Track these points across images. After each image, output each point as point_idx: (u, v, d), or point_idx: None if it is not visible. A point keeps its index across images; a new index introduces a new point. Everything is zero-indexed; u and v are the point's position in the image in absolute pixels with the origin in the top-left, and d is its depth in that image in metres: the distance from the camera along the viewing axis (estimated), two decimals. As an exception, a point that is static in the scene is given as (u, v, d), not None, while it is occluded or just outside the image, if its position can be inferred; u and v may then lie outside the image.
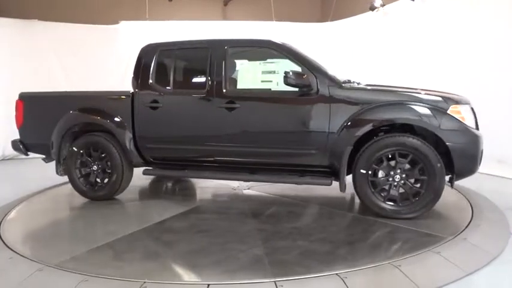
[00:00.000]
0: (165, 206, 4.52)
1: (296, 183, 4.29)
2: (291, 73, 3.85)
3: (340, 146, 3.90)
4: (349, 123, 3.88)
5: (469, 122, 3.79)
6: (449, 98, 3.82)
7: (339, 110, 3.92)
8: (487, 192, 4.80)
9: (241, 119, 4.20)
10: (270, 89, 4.18)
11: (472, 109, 4.03)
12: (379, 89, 4.11)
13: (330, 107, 3.94)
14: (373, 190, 3.86)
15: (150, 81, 4.51)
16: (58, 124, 4.77)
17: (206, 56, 4.34)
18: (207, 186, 5.43)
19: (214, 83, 4.25)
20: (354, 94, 3.97)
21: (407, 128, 3.87)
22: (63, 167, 4.87)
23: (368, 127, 3.82)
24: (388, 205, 3.85)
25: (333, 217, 3.99)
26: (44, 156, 5.08)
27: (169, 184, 5.71)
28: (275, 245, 3.25)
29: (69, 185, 4.86)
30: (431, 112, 3.72)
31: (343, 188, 3.93)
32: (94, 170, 4.74)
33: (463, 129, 3.70)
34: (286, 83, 3.86)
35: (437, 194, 3.72)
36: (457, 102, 3.79)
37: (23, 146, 5.05)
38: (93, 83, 6.95)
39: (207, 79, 4.30)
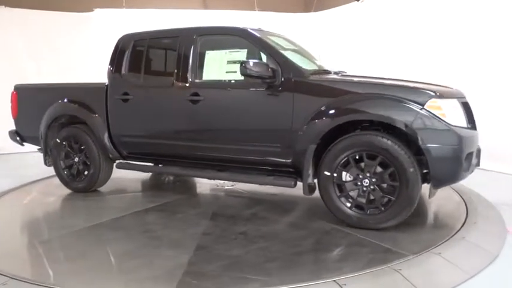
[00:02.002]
0: (136, 201, 4.44)
1: (259, 184, 3.95)
2: (250, 63, 3.49)
3: (304, 144, 3.49)
4: (312, 119, 3.45)
5: (453, 120, 3.18)
6: (428, 91, 3.23)
7: (303, 103, 3.50)
8: (477, 186, 4.45)
9: (204, 112, 3.93)
10: (233, 81, 3.83)
11: (464, 104, 3.40)
12: (349, 80, 3.62)
13: (293, 100, 3.54)
14: (338, 194, 3.42)
15: (123, 72, 4.39)
16: (45, 115, 4.85)
17: (176, 45, 4.13)
18: (199, 182, 5.23)
19: (181, 74, 4.03)
20: (319, 86, 3.52)
21: (388, 126, 3.35)
22: (51, 158, 4.96)
23: (329, 124, 3.37)
24: (355, 212, 3.38)
25: (296, 224, 3.59)
26: (39, 147, 5.22)
27: (171, 178, 5.58)
28: (207, 253, 2.97)
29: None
30: (404, 107, 3.18)
31: (306, 191, 3.52)
32: (75, 162, 4.76)
33: (442, 128, 3.11)
34: (243, 73, 3.52)
35: (410, 204, 3.19)
36: (438, 95, 3.19)
37: (18, 136, 5.23)
38: (67, 73, 6.87)
39: (174, 70, 4.08)
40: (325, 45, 7.45)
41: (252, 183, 4.08)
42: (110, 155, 4.56)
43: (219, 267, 2.74)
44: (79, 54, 8.04)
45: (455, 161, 3.13)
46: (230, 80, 3.85)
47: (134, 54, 4.40)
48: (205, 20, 5.94)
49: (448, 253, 2.89)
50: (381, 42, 7.25)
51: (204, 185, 5.09)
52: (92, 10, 8.35)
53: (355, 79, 3.64)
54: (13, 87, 5.20)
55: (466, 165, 3.21)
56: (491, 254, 2.97)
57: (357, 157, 3.35)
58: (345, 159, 3.36)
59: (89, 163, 4.66)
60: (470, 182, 4.17)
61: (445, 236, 3.18)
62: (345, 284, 2.47)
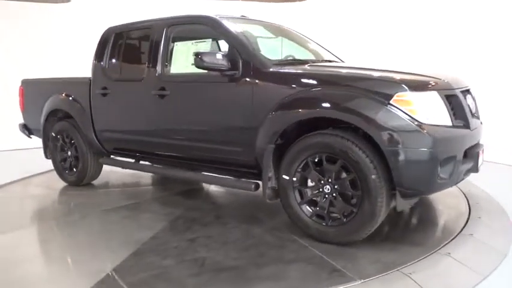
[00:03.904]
0: (117, 198, 4.35)
1: (220, 185, 3.65)
2: (205, 54, 3.19)
3: (263, 143, 3.13)
4: (269, 116, 3.07)
5: (428, 117, 2.62)
6: (396, 82, 2.68)
7: (261, 98, 3.13)
8: (474, 178, 3.75)
9: (171, 107, 3.71)
10: (197, 74, 3.52)
11: (452, 97, 2.81)
12: (312, 71, 3.16)
13: (252, 94, 3.17)
14: (299, 201, 3.02)
15: (104, 66, 4.30)
16: (43, 109, 4.95)
17: (148, 37, 3.93)
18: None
19: (150, 67, 3.83)
20: (277, 78, 3.11)
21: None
22: (50, 151, 5.07)
23: (284, 122, 2.96)
24: (315, 223, 2.96)
25: (253, 232, 3.20)
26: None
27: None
28: (138, 261, 2.75)
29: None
30: (365, 102, 2.68)
31: (265, 195, 3.15)
32: (68, 156, 4.81)
33: (409, 127, 2.57)
34: (198, 65, 3.21)
35: (371, 219, 2.70)
36: (408, 87, 2.64)
37: (26, 129, 5.42)
38: (44, 67, 6.67)
39: (145, 63, 3.89)
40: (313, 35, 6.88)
41: (212, 184, 3.79)
42: (96, 150, 4.53)
43: (139, 279, 2.51)
44: (56, 47, 7.60)
45: (426, 167, 2.57)
46: (195, 74, 3.55)
47: (114, 47, 4.28)
48: (190, 10, 5.65)
49: (457, 253, 2.75)
50: (375, 31, 6.91)
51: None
52: (69, 0, 7.79)
53: (321, 70, 3.19)
54: (20, 82, 5.37)
55: (444, 172, 2.64)
56: (500, 251, 2.86)
57: (317, 160, 2.92)
58: (304, 162, 2.95)
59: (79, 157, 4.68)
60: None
61: (452, 234, 3.05)
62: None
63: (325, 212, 2.90)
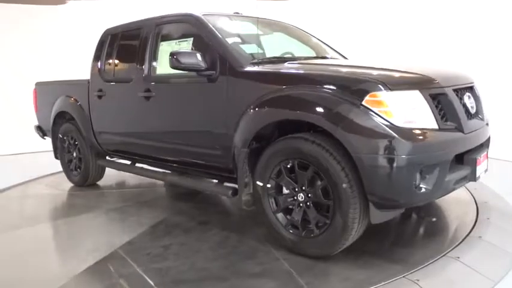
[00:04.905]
0: (115, 199, 4.38)
1: (200, 190, 3.52)
2: (180, 54, 3.06)
3: (237, 147, 2.96)
4: (241, 119, 2.89)
5: (406, 119, 2.32)
6: (370, 80, 2.41)
7: (235, 99, 2.96)
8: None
9: (155, 109, 3.62)
10: (179, 75, 3.38)
11: (439, 96, 2.49)
12: (285, 70, 2.93)
13: (227, 95, 3.01)
14: (275, 209, 2.82)
15: (101, 68, 4.30)
16: (52, 111, 5.06)
17: (139, 37, 3.87)
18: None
19: (138, 68, 3.77)
20: (250, 78, 2.92)
21: None
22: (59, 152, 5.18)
23: (255, 126, 2.77)
24: (290, 233, 2.75)
25: (229, 241, 3.05)
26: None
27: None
28: (98, 269, 2.67)
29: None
30: (336, 102, 2.42)
31: (241, 202, 2.98)
32: (74, 157, 4.89)
33: (382, 131, 2.29)
34: (173, 66, 3.08)
35: (344, 230, 2.45)
36: (384, 86, 2.35)
37: (40, 130, 5.58)
38: (39, 70, 6.72)
39: (134, 65, 3.84)
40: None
41: (192, 188, 3.66)
42: (96, 152, 4.56)
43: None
44: (53, 49, 7.47)
45: (401, 176, 2.28)
46: (177, 75, 3.43)
47: (109, 49, 4.27)
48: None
49: (466, 257, 2.61)
50: (379, 27, 6.53)
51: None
52: (65, 2, 7.60)
53: (295, 68, 2.95)
54: (34, 84, 5.54)
55: (426, 182, 2.35)
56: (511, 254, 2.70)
57: (289, 166, 2.70)
58: (278, 167, 2.74)
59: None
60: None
61: (459, 237, 2.91)
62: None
63: (299, 221, 2.69)
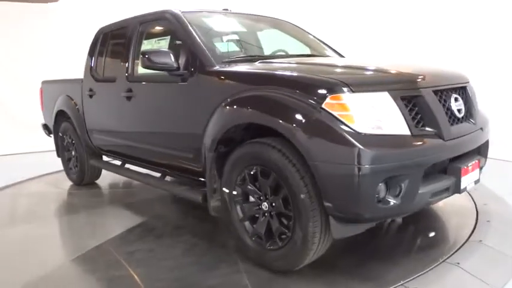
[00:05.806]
0: (105, 200, 4.33)
1: (172, 193, 3.39)
2: (151, 53, 2.93)
3: (206, 151, 2.80)
4: (208, 122, 2.73)
5: (370, 124, 2.08)
6: (330, 82, 2.17)
7: (205, 100, 2.80)
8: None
9: (135, 109, 3.53)
10: (156, 75, 3.26)
11: (414, 98, 2.23)
12: (251, 70, 2.74)
13: (196, 96, 2.87)
14: (241, 217, 2.64)
15: (92, 67, 4.27)
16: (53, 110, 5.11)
17: (125, 36, 3.80)
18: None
19: (122, 68, 3.70)
20: (218, 78, 2.75)
21: None
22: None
23: (219, 130, 2.60)
24: (255, 244, 2.57)
25: (196, 249, 2.90)
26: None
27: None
28: (55, 278, 2.61)
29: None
30: (294, 105, 2.22)
31: (209, 208, 2.83)
32: (72, 156, 4.91)
33: (340, 137, 2.06)
34: (144, 65, 2.97)
35: (304, 245, 2.25)
36: (349, 87, 2.11)
37: (46, 128, 5.66)
38: (31, 69, 6.65)
39: (119, 64, 3.77)
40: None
41: (166, 191, 3.54)
42: (91, 151, 4.54)
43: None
44: (44, 48, 7.38)
45: (361, 187, 2.04)
46: (155, 74, 3.30)
47: (100, 48, 4.23)
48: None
49: (467, 263, 2.51)
50: (380, 23, 6.31)
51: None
52: (57, 0, 7.40)
53: (260, 68, 2.75)
54: (40, 83, 5.61)
55: (392, 194, 2.10)
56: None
57: (252, 173, 2.52)
58: (243, 174, 2.57)
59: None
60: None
61: (459, 241, 2.79)
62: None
63: (263, 232, 2.50)
